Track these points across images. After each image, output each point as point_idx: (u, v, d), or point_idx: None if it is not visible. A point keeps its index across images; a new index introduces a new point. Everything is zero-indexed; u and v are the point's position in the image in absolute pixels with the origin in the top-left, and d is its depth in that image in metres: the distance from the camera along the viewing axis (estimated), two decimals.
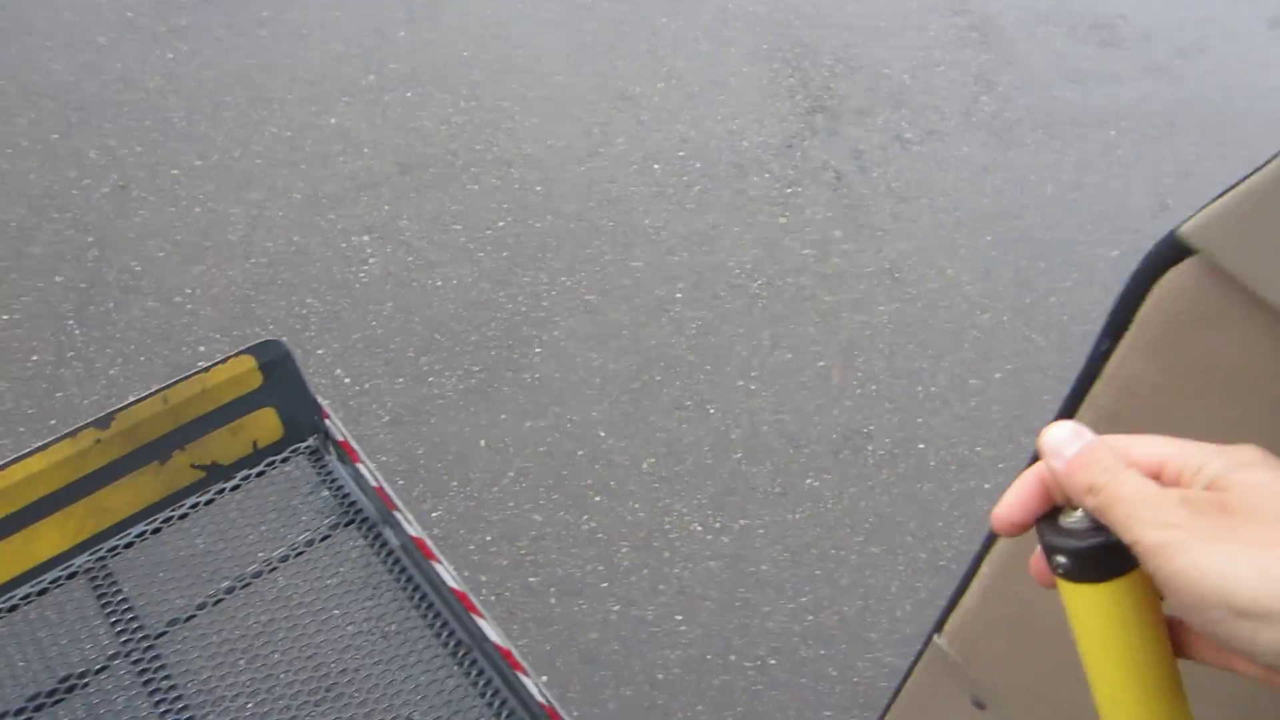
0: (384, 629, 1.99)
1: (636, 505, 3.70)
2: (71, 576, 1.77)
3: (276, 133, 5.01)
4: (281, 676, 1.84)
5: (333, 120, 5.07)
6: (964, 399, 4.12)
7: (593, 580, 3.46)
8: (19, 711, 1.72)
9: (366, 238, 4.52)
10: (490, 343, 4.10)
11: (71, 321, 4.16)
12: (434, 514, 3.54)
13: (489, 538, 3.52)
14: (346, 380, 3.94)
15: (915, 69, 5.72)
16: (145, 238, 4.54)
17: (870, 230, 4.77)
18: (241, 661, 1.94)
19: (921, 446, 3.98)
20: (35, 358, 4.01)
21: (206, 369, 1.72)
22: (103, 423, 1.66)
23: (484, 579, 3.41)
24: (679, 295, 4.41)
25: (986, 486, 3.85)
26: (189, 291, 4.29)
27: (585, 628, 3.33)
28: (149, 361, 3.99)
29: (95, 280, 4.32)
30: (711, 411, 4.01)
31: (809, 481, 3.89)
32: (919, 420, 4.05)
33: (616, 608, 3.43)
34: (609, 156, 4.99)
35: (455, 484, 3.64)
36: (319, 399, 1.92)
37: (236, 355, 1.78)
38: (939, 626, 1.08)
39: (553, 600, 3.41)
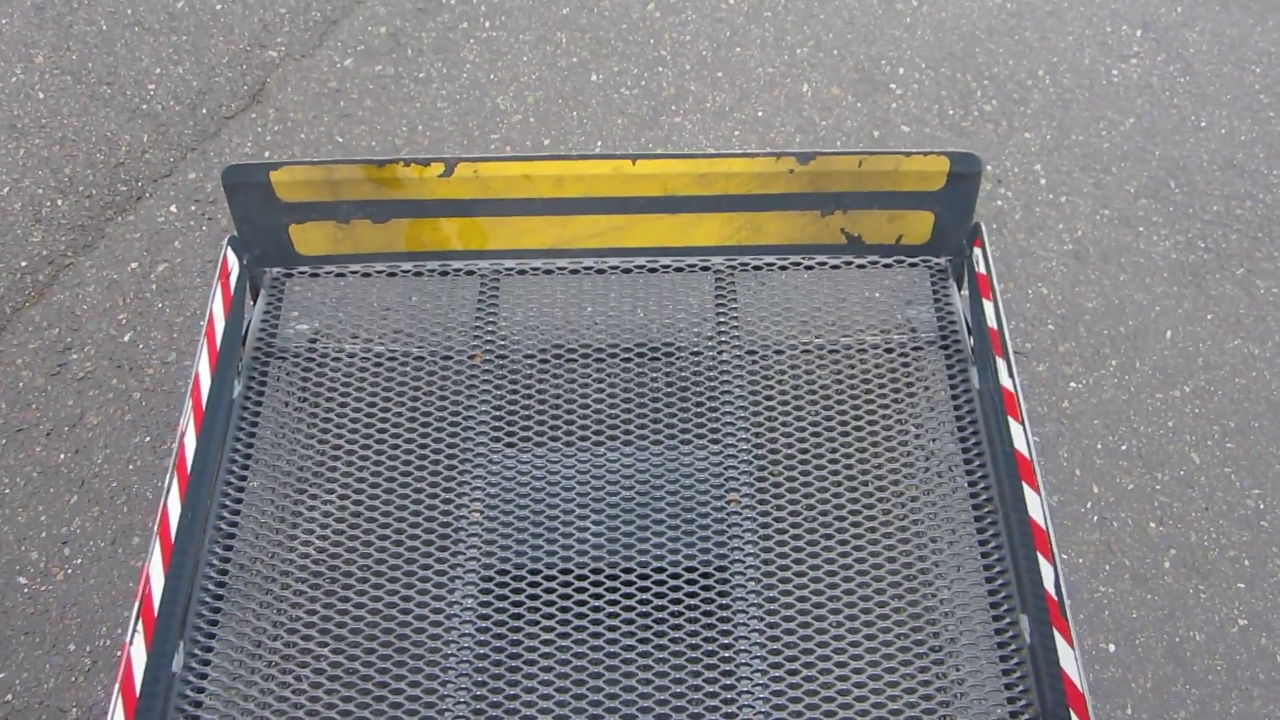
0: (920, 455, 1.90)
1: None
2: (705, 269, 2.02)
3: None
4: (812, 447, 1.89)
5: None
6: None
7: (1229, 572, 2.75)
8: (626, 352, 1.99)
9: (1139, 33, 3.80)
10: (1234, 223, 3.30)
11: None
12: (1073, 384, 2.98)
13: (1124, 447, 2.89)
14: (1043, 181, 3.38)
15: None
16: None
17: None
18: (790, 418, 1.92)
19: None
20: (733, 2, 3.90)
21: (906, 154, 1.86)
22: (804, 158, 1.87)
23: (1095, 489, 2.82)
24: None
25: None
26: (912, 2, 3.90)
27: (1193, 621, 2.66)
28: (840, 59, 3.71)
29: None
30: None
31: None
32: None
33: (1243, 621, 2.71)
34: None
35: (1115, 363, 3.01)
36: (982, 226, 1.91)
37: (937, 154, 1.87)
38: None
39: (1166, 564, 2.76)
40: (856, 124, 3.49)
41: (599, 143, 3.45)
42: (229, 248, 1.96)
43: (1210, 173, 3.41)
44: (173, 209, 3.35)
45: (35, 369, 3.07)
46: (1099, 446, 2.88)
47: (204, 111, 3.57)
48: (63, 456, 2.94)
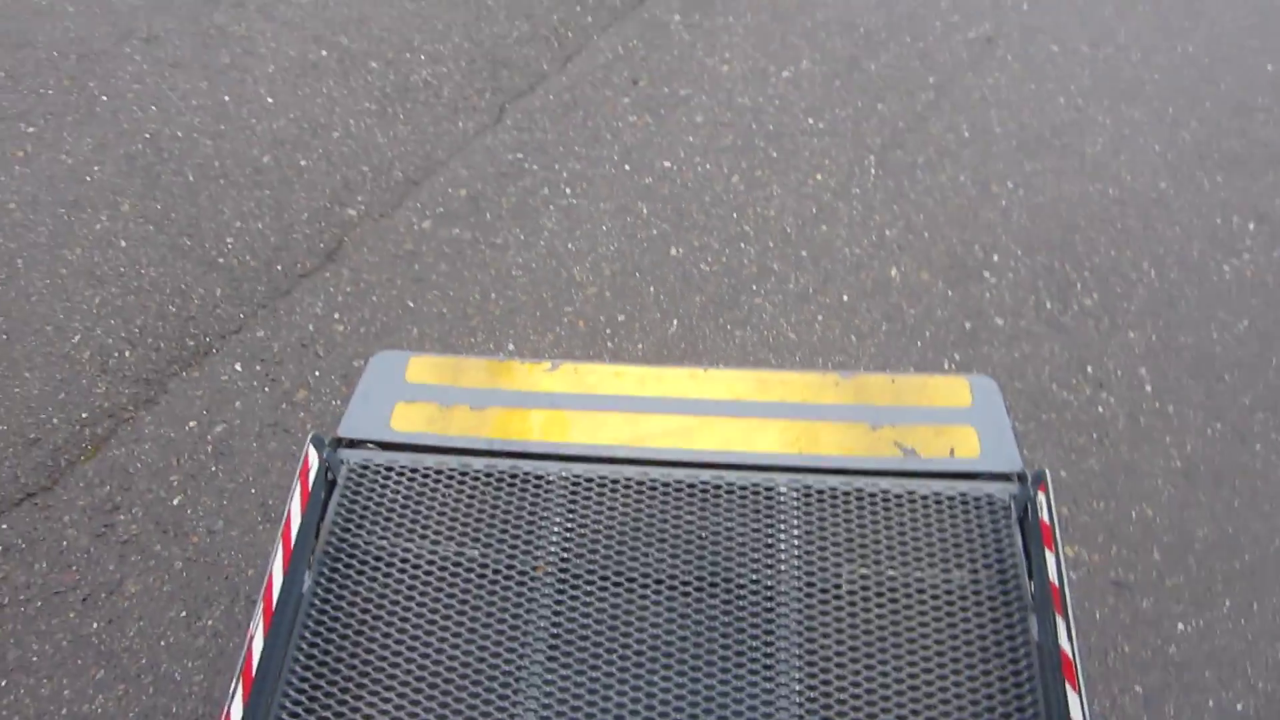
0: (974, 706, 1.77)
1: None
2: (769, 490, 2.01)
3: (1192, 53, 4.14)
4: (864, 689, 1.81)
5: (1270, 67, 4.05)
6: None
7: None
8: (685, 582, 1.92)
9: (1252, 226, 3.55)
10: None
11: (872, 157, 3.82)
12: (1181, 625, 2.65)
13: (1240, 706, 2.56)
14: (1149, 388, 3.11)
15: None
16: (989, 105, 4.02)
17: None
18: (844, 656, 1.79)
19: None
20: (820, 177, 3.76)
21: (930, 375, 2.10)
22: (846, 374, 2.12)
23: None
24: None
25: None
26: (1007, 184, 3.71)
27: None
28: (931, 243, 3.52)
29: (916, 125, 3.92)
30: None
31: None
32: None
33: None
34: None
35: (1229, 604, 2.69)
36: (1045, 472, 1.91)
37: (956, 377, 2.09)
38: None
39: None
40: (947, 314, 3.27)
41: (675, 321, 3.28)
42: (311, 445, 2.01)
43: None
44: (237, 367, 3.26)
45: (81, 528, 2.95)
46: (1211, 704, 2.55)
47: (279, 268, 3.51)
48: (95, 625, 2.79)
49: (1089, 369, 3.17)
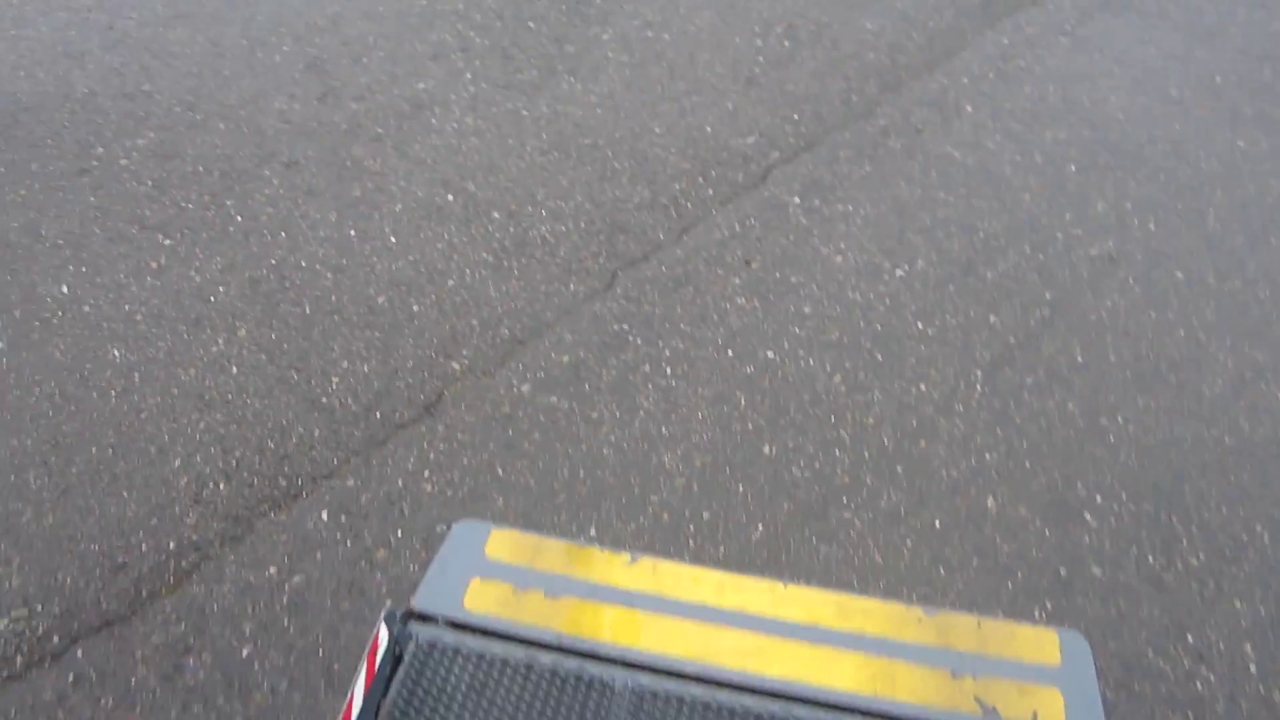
0: None
1: None
2: None
3: None
4: None
5: None
6: None
7: None
8: None
9: None
10: None
11: (980, 373, 3.74)
12: None
13: None
14: (1253, 668, 2.93)
15: None
16: (1105, 330, 3.92)
17: None
18: None
19: None
20: (923, 388, 3.68)
21: (1018, 624, 2.03)
22: (930, 610, 2.04)
23: None
24: None
25: None
26: (1118, 419, 3.59)
27: None
28: (1032, 474, 3.40)
29: (1028, 343, 3.83)
30: None
31: None
32: None
33: None
34: None
35: None
36: None
37: (1046, 629, 2.02)
38: None
39: None
40: (1042, 555, 3.15)
41: (760, 526, 3.22)
42: (383, 622, 1.97)
43: None
44: (324, 515, 3.28)
45: (151, 666, 2.97)
46: None
47: (378, 415, 3.55)
48: None
49: (1189, 637, 3.00)
